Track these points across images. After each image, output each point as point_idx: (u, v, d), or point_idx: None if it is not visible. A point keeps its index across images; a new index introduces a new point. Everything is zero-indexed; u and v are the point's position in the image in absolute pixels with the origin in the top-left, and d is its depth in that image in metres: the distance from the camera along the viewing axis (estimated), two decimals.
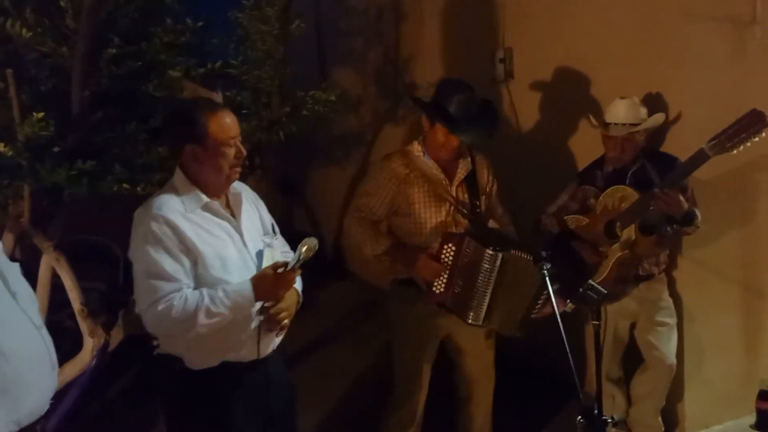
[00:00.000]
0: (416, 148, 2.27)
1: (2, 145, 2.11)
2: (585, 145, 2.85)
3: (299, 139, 3.26)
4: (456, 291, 2.14)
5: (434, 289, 2.17)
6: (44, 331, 1.36)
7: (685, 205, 2.17)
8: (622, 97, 2.37)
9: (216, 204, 1.68)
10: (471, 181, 2.28)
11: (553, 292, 1.78)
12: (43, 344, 1.33)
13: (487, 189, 2.34)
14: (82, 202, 2.50)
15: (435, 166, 2.23)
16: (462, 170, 2.26)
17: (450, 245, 2.14)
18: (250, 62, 3.10)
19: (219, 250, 1.64)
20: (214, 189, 1.69)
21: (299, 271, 1.64)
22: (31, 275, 2.39)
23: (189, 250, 1.60)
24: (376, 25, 4.20)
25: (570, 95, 2.94)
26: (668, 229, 2.29)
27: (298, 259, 1.60)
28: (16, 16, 2.26)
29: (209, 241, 1.63)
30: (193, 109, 1.68)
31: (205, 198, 1.66)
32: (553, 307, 1.75)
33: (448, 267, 2.14)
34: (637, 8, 2.60)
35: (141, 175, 2.41)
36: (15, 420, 1.22)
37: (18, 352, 1.22)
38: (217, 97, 3.10)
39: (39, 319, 1.36)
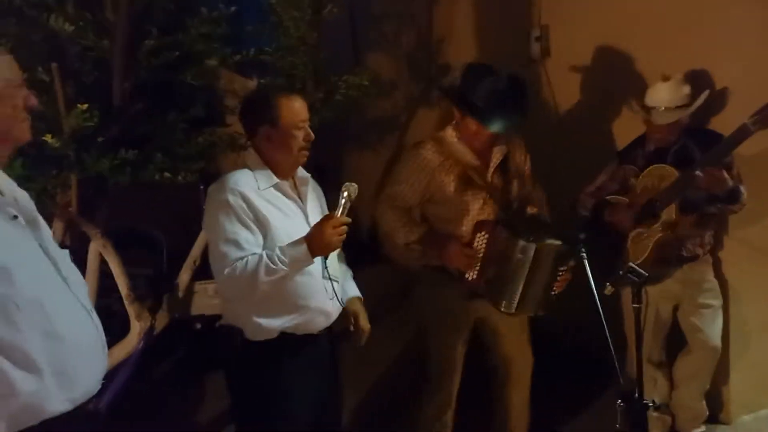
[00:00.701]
0: (450, 134, 2.24)
1: (50, 136, 2.19)
2: (624, 125, 2.78)
3: (332, 124, 3.27)
4: (489, 278, 2.13)
5: (467, 276, 2.16)
6: (94, 315, 1.41)
7: (729, 183, 2.10)
8: (664, 79, 2.28)
9: (285, 184, 1.81)
10: (506, 165, 2.25)
11: (591, 275, 1.75)
12: (94, 327, 1.39)
13: (522, 170, 2.30)
14: (127, 192, 2.58)
15: (469, 153, 2.20)
16: (497, 155, 2.23)
17: (483, 233, 2.13)
18: (283, 49, 3.11)
19: (287, 226, 1.76)
20: (284, 170, 1.81)
21: (348, 219, 1.70)
22: (80, 262, 2.50)
23: (261, 223, 1.72)
24: (409, 7, 4.15)
25: (608, 73, 2.86)
26: (711, 208, 2.21)
27: (343, 206, 1.69)
28: (59, 11, 2.33)
29: (278, 217, 1.76)
30: (268, 93, 1.85)
31: (275, 178, 1.79)
32: (593, 293, 1.72)
33: (481, 255, 2.12)
34: None
35: (182, 164, 2.47)
36: (71, 398, 1.28)
37: (72, 335, 1.27)
38: (252, 84, 3.15)
39: (89, 303, 1.41)
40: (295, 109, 1.77)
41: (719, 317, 2.40)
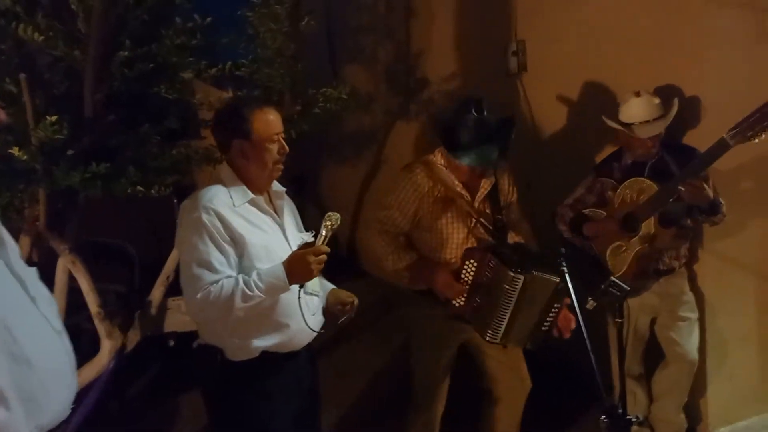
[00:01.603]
0: (439, 158, 2.21)
1: (17, 149, 2.12)
2: (600, 138, 2.81)
3: (311, 136, 3.25)
4: (475, 306, 2.11)
5: (454, 303, 2.14)
6: (64, 336, 1.36)
7: (711, 195, 2.13)
8: (636, 94, 2.31)
9: (260, 199, 1.75)
10: (494, 194, 2.22)
11: (573, 290, 1.75)
12: (64, 349, 1.34)
13: (509, 198, 2.29)
14: (98, 205, 2.51)
15: (456, 182, 2.17)
16: (485, 185, 2.20)
17: (471, 261, 2.10)
18: (260, 61, 3.09)
19: (264, 242, 1.71)
20: (259, 184, 1.76)
21: (327, 249, 1.66)
22: (48, 278, 2.41)
23: (236, 242, 1.66)
24: (387, 20, 4.17)
25: (585, 87, 2.90)
26: (689, 221, 2.24)
27: (324, 235, 1.65)
28: (28, 20, 2.27)
29: (255, 233, 1.70)
30: (240, 106, 1.77)
31: (250, 193, 1.74)
32: (574, 308, 1.71)
33: (469, 282, 2.11)
34: None
35: (155, 178, 2.42)
36: (38, 425, 1.22)
37: (41, 359, 1.22)
38: (228, 96, 3.11)
39: (59, 324, 1.36)
40: (269, 121, 1.72)
41: (696, 330, 2.42)
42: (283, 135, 1.75)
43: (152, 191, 2.35)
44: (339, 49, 4.68)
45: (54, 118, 2.15)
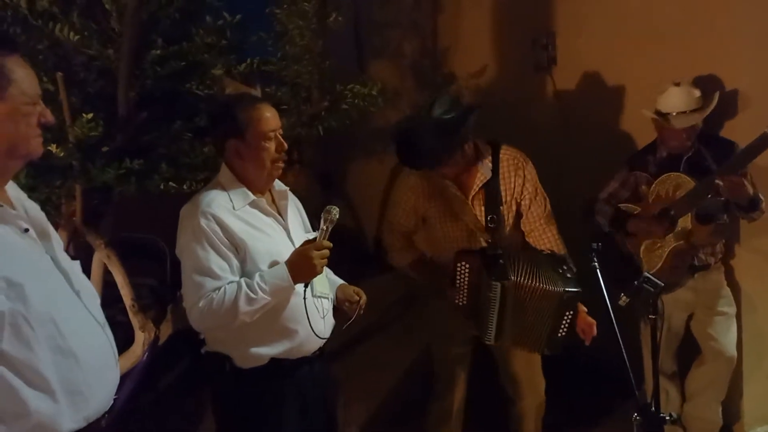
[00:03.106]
0: None
1: (54, 146, 2.17)
2: (633, 131, 2.76)
3: (338, 133, 3.26)
4: (473, 306, 2.11)
5: (457, 302, 2.14)
6: (107, 328, 1.38)
7: (751, 190, 2.06)
8: (675, 84, 2.26)
9: (262, 201, 1.69)
10: (491, 190, 2.13)
11: (604, 285, 1.72)
12: (107, 341, 1.36)
13: (516, 197, 2.17)
14: (131, 201, 2.56)
15: (449, 181, 2.14)
16: (479, 180, 2.13)
17: (464, 263, 2.09)
18: (288, 58, 3.11)
19: (268, 246, 1.65)
20: (258, 185, 1.70)
21: (329, 244, 1.62)
22: (84, 272, 2.47)
23: (237, 247, 1.61)
24: (413, 15, 4.15)
25: (616, 80, 2.84)
26: (725, 217, 2.18)
27: (325, 229, 1.60)
28: (64, 20, 2.32)
29: (258, 237, 1.65)
30: (232, 104, 1.70)
31: (251, 195, 1.67)
32: (606, 303, 1.69)
33: (465, 284, 2.10)
34: None
35: (187, 174, 2.45)
36: (85, 417, 1.25)
37: (85, 351, 1.25)
38: (257, 93, 3.13)
39: (102, 316, 1.38)
40: (264, 118, 1.64)
41: (733, 325, 2.36)
42: (281, 132, 1.69)
43: (184, 187, 2.39)
44: (366, 44, 4.68)
45: (90, 115, 2.20)
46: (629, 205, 2.35)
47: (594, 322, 2.06)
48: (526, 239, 2.22)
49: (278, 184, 1.77)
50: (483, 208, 2.14)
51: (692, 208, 2.15)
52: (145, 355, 2.54)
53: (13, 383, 1.14)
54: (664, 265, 2.21)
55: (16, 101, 1.21)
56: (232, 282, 1.59)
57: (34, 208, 1.34)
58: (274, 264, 1.64)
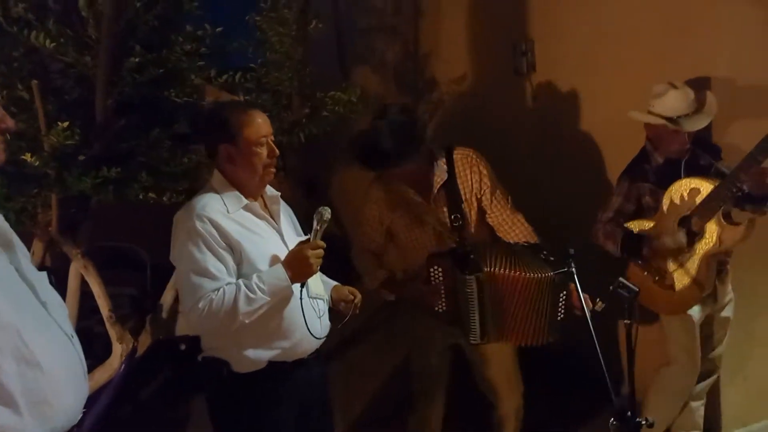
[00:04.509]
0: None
1: (29, 155, 2.14)
2: (611, 137, 2.79)
3: (321, 139, 3.25)
4: (454, 309, 2.11)
5: (437, 309, 2.13)
6: (75, 339, 1.37)
7: None
8: (673, 87, 2.19)
9: (255, 205, 1.73)
10: (450, 190, 2.16)
11: (581, 291, 1.74)
12: (75, 353, 1.34)
13: (475, 193, 2.19)
14: (110, 209, 2.53)
15: (408, 188, 2.16)
16: (436, 182, 2.16)
17: (436, 267, 2.09)
18: (269, 65, 3.09)
19: (262, 248, 1.69)
20: (250, 189, 1.73)
21: (323, 243, 1.65)
22: (61, 282, 2.44)
23: (233, 249, 1.64)
24: (395, 21, 4.17)
25: (594, 86, 2.88)
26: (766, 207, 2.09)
27: (317, 230, 1.65)
28: (40, 27, 2.29)
29: (252, 239, 1.68)
30: (224, 110, 1.75)
31: (244, 199, 1.71)
32: (582, 306, 1.71)
33: (442, 287, 2.10)
34: None
35: (167, 183, 2.43)
36: (51, 429, 1.23)
37: (51, 363, 1.23)
38: (238, 99, 3.11)
39: (70, 328, 1.37)
40: (256, 124, 1.69)
41: (729, 330, 2.37)
42: (272, 138, 1.72)
43: (164, 199, 2.36)
44: (348, 51, 4.69)
45: (66, 124, 2.17)
46: (640, 221, 2.24)
47: (586, 295, 2.01)
48: (497, 234, 2.23)
49: (270, 190, 1.81)
50: (445, 209, 2.16)
51: (719, 209, 2.06)
52: (123, 367, 2.50)
53: None
54: (700, 275, 2.12)
55: None
56: (230, 283, 1.61)
57: None
58: (267, 265, 1.67)
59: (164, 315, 2.70)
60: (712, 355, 2.36)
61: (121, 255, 3.07)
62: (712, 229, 2.10)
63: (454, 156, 2.19)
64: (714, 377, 2.39)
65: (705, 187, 2.08)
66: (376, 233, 2.25)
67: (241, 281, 1.62)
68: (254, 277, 1.62)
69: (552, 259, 1.97)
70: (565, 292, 2.02)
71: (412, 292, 2.19)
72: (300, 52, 3.04)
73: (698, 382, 2.39)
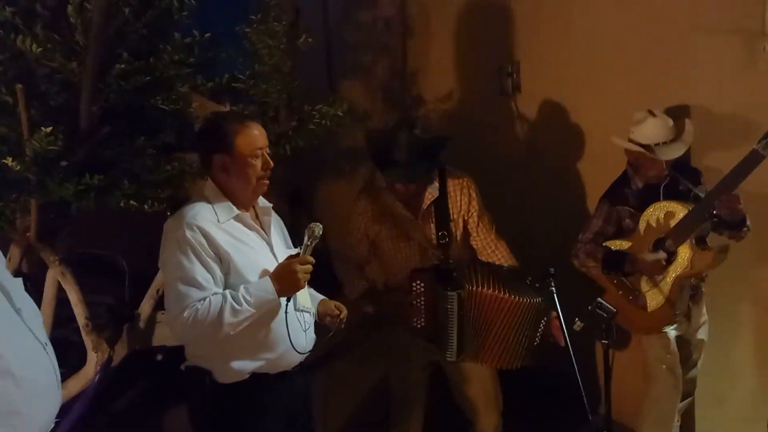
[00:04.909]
0: (379, 179, 2.27)
1: (10, 159, 2.12)
2: (594, 158, 2.84)
3: (306, 152, 3.26)
4: (432, 326, 2.12)
5: (415, 324, 2.14)
6: (49, 348, 1.35)
7: (742, 210, 2.07)
8: (651, 114, 2.25)
9: (246, 215, 1.73)
10: (440, 208, 2.21)
11: (560, 311, 1.76)
12: (49, 362, 1.32)
13: (463, 215, 2.24)
14: (89, 217, 2.51)
15: (396, 200, 2.20)
16: (427, 199, 2.20)
17: (419, 282, 2.12)
18: (257, 76, 3.10)
19: (251, 259, 1.69)
20: (243, 200, 1.74)
21: (312, 259, 1.66)
22: (37, 289, 2.40)
23: (221, 259, 1.64)
24: (384, 38, 4.21)
25: (578, 109, 2.93)
26: (744, 231, 2.15)
27: (308, 245, 1.66)
28: (27, 32, 2.28)
29: (241, 250, 1.68)
30: (222, 119, 1.77)
31: (236, 209, 1.71)
32: (561, 329, 1.72)
33: (422, 302, 2.11)
34: (646, 21, 2.59)
35: (150, 191, 2.41)
36: None
37: (25, 371, 1.21)
38: (225, 110, 3.12)
39: (44, 336, 1.35)
40: (252, 136, 1.70)
41: (703, 353, 2.40)
42: (267, 150, 1.73)
43: (145, 206, 2.34)
44: (336, 65, 4.72)
45: (49, 129, 2.15)
46: (618, 241, 2.30)
47: (577, 325, 2.02)
48: (478, 257, 2.25)
49: (262, 201, 1.81)
50: (432, 226, 2.19)
51: (692, 233, 2.12)
52: (97, 377, 2.46)
53: None
54: (671, 296, 2.17)
55: None
56: (216, 293, 1.61)
57: None
58: (255, 277, 1.67)
59: (142, 325, 2.67)
60: (688, 377, 2.39)
61: (100, 263, 3.04)
62: (684, 253, 2.16)
63: (447, 176, 2.23)
64: (689, 399, 2.42)
65: (679, 211, 2.14)
66: (360, 244, 2.27)
67: (227, 292, 1.62)
68: (241, 289, 1.62)
69: (537, 285, 2.00)
70: (545, 319, 2.04)
71: (391, 305, 2.20)
72: (289, 65, 3.06)
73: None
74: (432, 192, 2.20)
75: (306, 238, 1.67)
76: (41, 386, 1.27)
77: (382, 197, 2.20)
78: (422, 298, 2.11)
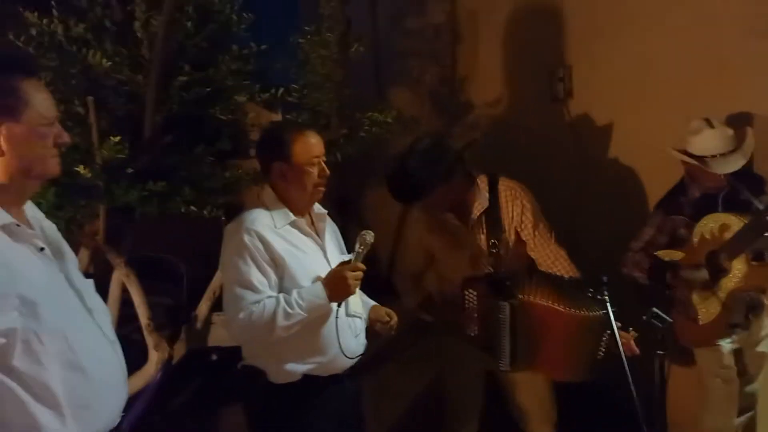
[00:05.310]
0: None
1: (82, 167, 2.25)
2: (648, 166, 2.76)
3: (355, 159, 3.31)
4: (486, 335, 2.10)
5: (469, 332, 2.14)
6: (117, 346, 1.41)
7: None
8: (709, 125, 2.15)
9: (302, 221, 1.79)
10: (491, 218, 2.18)
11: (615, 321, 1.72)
12: (117, 359, 1.39)
13: (515, 225, 2.21)
14: (151, 221, 2.63)
15: (448, 212, 2.18)
16: (476, 209, 2.18)
17: (471, 290, 2.11)
18: (309, 86, 3.18)
19: (305, 264, 1.74)
20: (299, 206, 1.79)
21: (363, 266, 1.70)
22: (102, 290, 2.52)
23: (277, 264, 1.70)
24: (432, 45, 4.23)
25: (632, 114, 2.86)
26: None
27: (359, 253, 1.70)
28: (97, 47, 2.42)
29: (296, 255, 1.73)
30: (281, 129, 1.84)
31: (292, 215, 1.77)
32: (615, 338, 1.69)
33: (475, 311, 2.10)
34: (700, 25, 2.50)
35: (208, 198, 2.51)
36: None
37: (95, 368, 1.28)
38: (278, 118, 3.21)
39: (113, 334, 1.41)
40: (309, 144, 1.74)
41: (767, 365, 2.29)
42: (324, 158, 1.78)
43: (204, 212, 2.44)
44: (385, 72, 4.77)
45: (117, 138, 2.28)
46: (671, 251, 2.22)
47: (632, 335, 1.99)
48: (537, 267, 2.22)
49: (318, 207, 1.86)
50: (484, 236, 2.18)
51: (746, 248, 2.02)
52: (159, 375, 2.57)
53: (23, 398, 1.17)
54: (722, 311, 2.08)
55: (33, 123, 1.25)
56: (271, 297, 1.67)
57: (51, 228, 1.37)
58: (309, 281, 1.72)
59: (199, 325, 2.77)
60: (748, 390, 2.28)
61: (160, 266, 3.16)
62: (738, 267, 2.06)
63: (499, 186, 2.21)
64: (750, 413, 2.31)
65: (735, 224, 2.04)
66: (417, 255, 2.29)
67: (281, 296, 1.67)
68: (294, 293, 1.67)
69: (599, 297, 1.94)
70: (609, 331, 1.99)
71: (447, 314, 2.20)
72: (340, 74, 3.12)
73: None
74: (482, 201, 2.18)
75: (357, 245, 1.70)
76: (109, 382, 1.33)
77: (434, 210, 2.21)
78: (475, 307, 2.11)
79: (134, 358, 2.64)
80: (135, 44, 2.51)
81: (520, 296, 2.01)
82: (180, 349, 2.71)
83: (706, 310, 2.14)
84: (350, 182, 5.20)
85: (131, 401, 2.45)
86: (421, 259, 2.28)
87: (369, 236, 1.70)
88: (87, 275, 1.47)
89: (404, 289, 2.35)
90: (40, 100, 1.27)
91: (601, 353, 1.99)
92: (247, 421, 1.82)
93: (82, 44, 2.44)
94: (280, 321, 1.64)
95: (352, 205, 5.32)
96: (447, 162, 2.10)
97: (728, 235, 2.06)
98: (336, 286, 1.67)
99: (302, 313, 1.65)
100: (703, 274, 2.11)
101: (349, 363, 1.81)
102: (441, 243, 2.21)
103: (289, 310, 1.64)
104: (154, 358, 2.58)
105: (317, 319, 1.71)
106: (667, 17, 2.63)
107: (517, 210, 2.20)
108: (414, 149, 2.12)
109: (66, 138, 1.33)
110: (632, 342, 1.96)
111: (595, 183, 3.05)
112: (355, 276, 1.68)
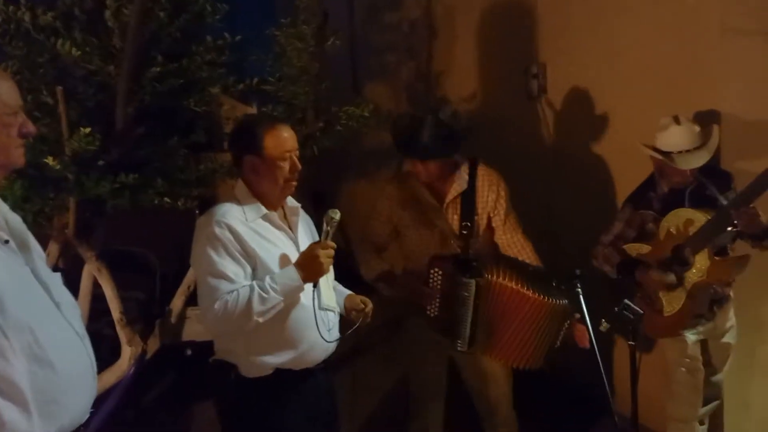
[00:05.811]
0: (408, 165, 2.29)
1: (51, 158, 2.20)
2: (621, 161, 2.82)
3: (331, 152, 3.30)
4: (446, 315, 2.12)
5: (428, 312, 2.16)
6: (87, 340, 1.39)
7: (763, 220, 2.02)
8: (676, 121, 2.21)
9: (274, 215, 1.78)
10: (467, 201, 2.23)
11: (587, 312, 1.76)
12: (86, 353, 1.36)
13: (489, 210, 2.26)
14: (122, 213, 2.58)
15: (424, 189, 2.22)
16: (454, 190, 2.22)
17: (437, 269, 2.13)
18: (285, 78, 3.15)
19: (277, 257, 1.73)
20: (271, 200, 1.79)
21: (334, 244, 1.71)
22: (73, 284, 2.48)
23: (249, 256, 1.69)
24: (409, 40, 4.24)
25: (605, 112, 2.91)
26: (764, 242, 2.11)
27: (328, 231, 1.70)
28: (66, 35, 2.36)
29: (268, 248, 1.73)
30: (253, 122, 1.82)
31: (264, 209, 1.76)
32: (588, 331, 1.72)
33: (438, 290, 2.12)
34: (675, 23, 2.56)
35: (181, 190, 2.48)
36: (59, 427, 1.25)
37: (63, 362, 1.25)
38: (253, 111, 3.18)
39: (82, 328, 1.39)
40: (282, 138, 1.74)
41: (730, 357, 2.37)
42: (296, 153, 1.78)
43: (179, 204, 2.41)
44: (361, 67, 4.76)
45: (87, 129, 2.23)
46: (636, 244, 2.28)
47: (585, 328, 2.02)
48: (502, 252, 2.26)
49: (291, 201, 1.85)
50: (457, 217, 2.21)
51: (709, 243, 2.10)
52: (131, 370, 2.53)
53: None
54: (687, 304, 2.15)
55: None
56: (245, 286, 1.67)
57: (15, 220, 1.34)
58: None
59: (173, 320, 2.74)
60: (713, 380, 2.36)
61: (132, 260, 3.12)
62: (702, 262, 2.13)
63: (478, 170, 2.26)
64: (716, 403, 2.39)
65: (699, 219, 2.11)
66: (382, 227, 2.31)
67: (254, 282, 1.68)
68: (267, 278, 1.67)
69: (563, 287, 1.99)
70: (568, 322, 2.04)
71: (406, 289, 2.21)
72: (316, 67, 3.10)
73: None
74: (460, 183, 2.22)
75: (325, 225, 1.70)
76: (78, 377, 1.31)
77: (409, 183, 2.25)
78: (438, 286, 2.12)
79: (107, 353, 2.60)
80: (106, 34, 2.45)
81: (487, 276, 2.03)
82: (154, 344, 2.68)
83: (671, 302, 2.21)
84: (325, 176, 5.19)
85: (104, 397, 2.44)
86: (386, 232, 2.31)
87: (335, 214, 1.70)
88: (57, 269, 1.44)
89: (364, 259, 2.35)
90: (4, 89, 1.24)
91: (557, 343, 2.04)
92: (218, 416, 1.81)
93: (50, 33, 2.38)
94: (256, 307, 1.63)
95: (327, 198, 5.31)
96: (458, 138, 2.18)
97: (693, 230, 2.12)
98: (309, 266, 1.67)
99: (278, 296, 1.65)
100: (671, 278, 2.18)
101: (322, 357, 1.81)
102: (410, 219, 2.23)
103: (264, 294, 1.64)
104: (127, 354, 2.54)
105: (290, 307, 1.70)
106: (642, 15, 2.69)
107: (492, 196, 2.25)
108: (438, 111, 2.17)
109: (31, 128, 1.30)
110: (585, 335, 1.99)
111: (570, 178, 3.10)
112: (326, 254, 1.68)
